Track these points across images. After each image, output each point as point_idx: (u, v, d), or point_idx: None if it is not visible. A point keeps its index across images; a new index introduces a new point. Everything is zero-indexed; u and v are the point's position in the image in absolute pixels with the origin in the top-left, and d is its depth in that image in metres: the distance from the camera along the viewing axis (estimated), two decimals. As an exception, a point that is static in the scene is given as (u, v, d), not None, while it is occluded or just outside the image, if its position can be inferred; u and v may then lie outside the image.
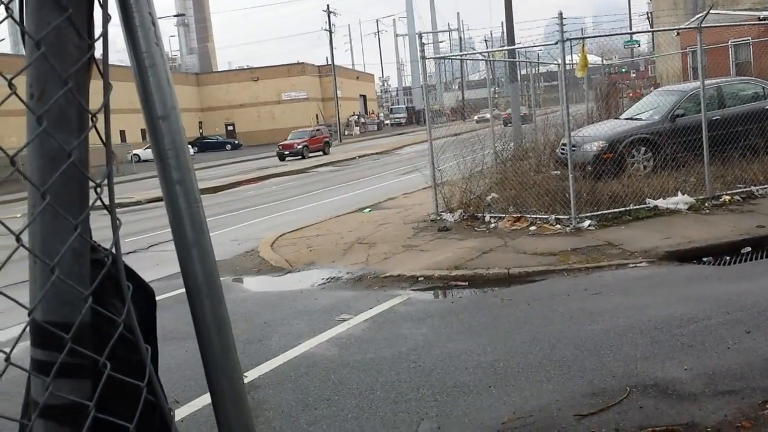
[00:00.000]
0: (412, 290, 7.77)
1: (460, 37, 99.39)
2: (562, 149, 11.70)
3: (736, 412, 4.00)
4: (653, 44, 37.14)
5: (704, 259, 7.89)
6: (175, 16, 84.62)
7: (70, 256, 1.09)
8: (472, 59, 24.16)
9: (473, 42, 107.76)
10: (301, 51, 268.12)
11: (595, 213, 9.83)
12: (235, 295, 8.27)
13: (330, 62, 62.01)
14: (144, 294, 1.32)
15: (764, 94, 12.55)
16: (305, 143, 38.83)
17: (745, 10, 27.11)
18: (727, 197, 10.26)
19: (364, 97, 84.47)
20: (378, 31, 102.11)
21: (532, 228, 9.90)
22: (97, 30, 1.15)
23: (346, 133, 64.59)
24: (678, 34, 23.84)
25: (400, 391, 4.88)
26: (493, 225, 10.38)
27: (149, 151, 1.32)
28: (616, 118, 14.28)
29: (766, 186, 10.61)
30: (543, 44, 16.04)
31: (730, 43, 21.21)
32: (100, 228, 1.30)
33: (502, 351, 5.47)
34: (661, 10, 41.83)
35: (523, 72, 21.60)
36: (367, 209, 13.90)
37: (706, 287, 6.78)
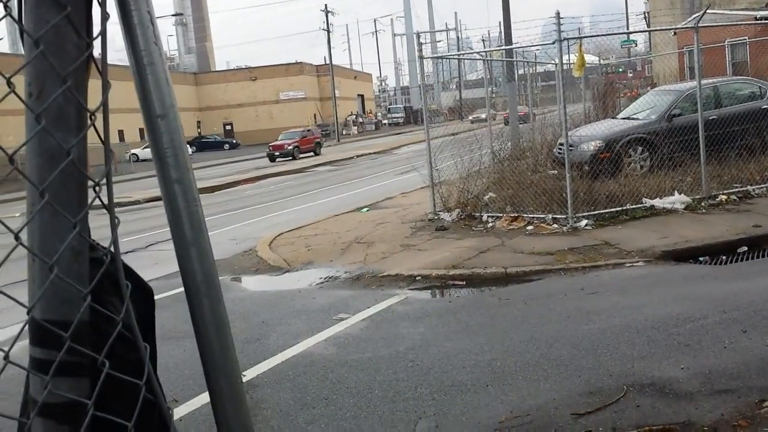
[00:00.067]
0: (410, 289, 7.78)
1: (458, 37, 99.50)
2: (560, 149, 11.70)
3: (732, 411, 4.01)
4: (650, 44, 37.16)
5: (701, 258, 7.91)
6: (173, 15, 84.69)
7: (68, 254, 1.09)
8: (470, 59, 24.20)
9: (471, 41, 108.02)
10: (299, 50, 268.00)
11: (592, 212, 9.84)
12: (234, 295, 8.27)
13: (328, 62, 62.01)
14: (143, 293, 1.33)
15: (761, 94, 12.56)
16: (296, 144, 38.20)
17: (742, 9, 27.16)
18: (724, 197, 10.28)
19: (361, 96, 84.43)
20: (376, 31, 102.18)
21: (530, 227, 9.91)
22: (96, 28, 1.15)
23: (344, 132, 64.55)
24: (675, 33, 23.86)
25: (398, 390, 4.89)
26: (490, 224, 10.39)
27: (148, 150, 1.33)
28: (613, 118, 14.26)
29: (762, 185, 10.63)
30: (540, 44, 16.09)
31: (726, 42, 21.24)
32: (98, 227, 1.31)
33: (500, 350, 5.48)
34: (658, 10, 41.90)
35: (521, 72, 21.60)
36: (365, 209, 13.89)
37: (703, 287, 6.79)
